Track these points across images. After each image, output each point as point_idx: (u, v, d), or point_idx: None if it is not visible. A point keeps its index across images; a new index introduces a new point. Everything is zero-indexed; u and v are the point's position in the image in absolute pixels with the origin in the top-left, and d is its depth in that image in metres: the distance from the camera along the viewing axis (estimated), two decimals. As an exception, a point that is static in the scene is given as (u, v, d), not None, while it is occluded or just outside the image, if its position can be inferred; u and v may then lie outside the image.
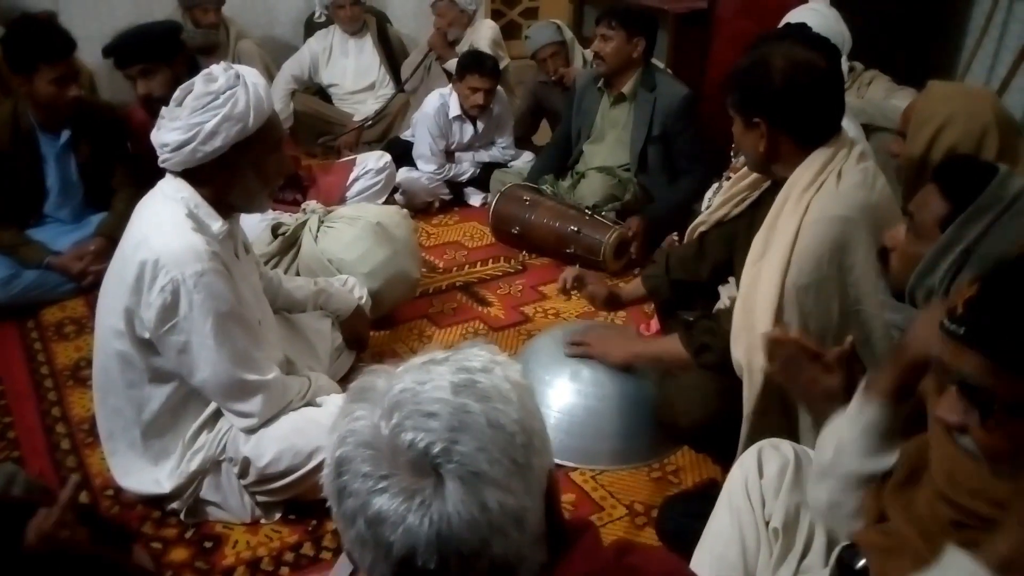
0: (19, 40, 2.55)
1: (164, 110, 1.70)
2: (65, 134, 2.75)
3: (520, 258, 3.18)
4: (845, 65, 2.81)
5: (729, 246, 2.01)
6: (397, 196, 3.62)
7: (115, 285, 1.71)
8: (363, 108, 4.26)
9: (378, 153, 3.41)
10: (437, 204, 3.64)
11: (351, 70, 4.32)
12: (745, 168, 1.98)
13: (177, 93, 1.71)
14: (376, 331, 2.62)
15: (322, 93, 4.39)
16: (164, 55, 2.70)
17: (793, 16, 2.79)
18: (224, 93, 1.65)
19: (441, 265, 3.14)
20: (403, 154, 3.66)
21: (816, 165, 1.65)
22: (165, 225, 1.67)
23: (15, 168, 2.71)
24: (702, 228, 2.09)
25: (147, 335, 1.68)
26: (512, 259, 3.18)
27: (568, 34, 3.78)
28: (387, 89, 4.30)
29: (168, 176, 1.75)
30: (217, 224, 1.72)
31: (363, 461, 0.68)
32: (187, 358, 1.69)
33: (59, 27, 2.60)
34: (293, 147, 3.31)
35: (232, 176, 1.72)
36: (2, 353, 2.50)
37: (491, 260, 3.18)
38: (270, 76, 4.33)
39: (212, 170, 1.70)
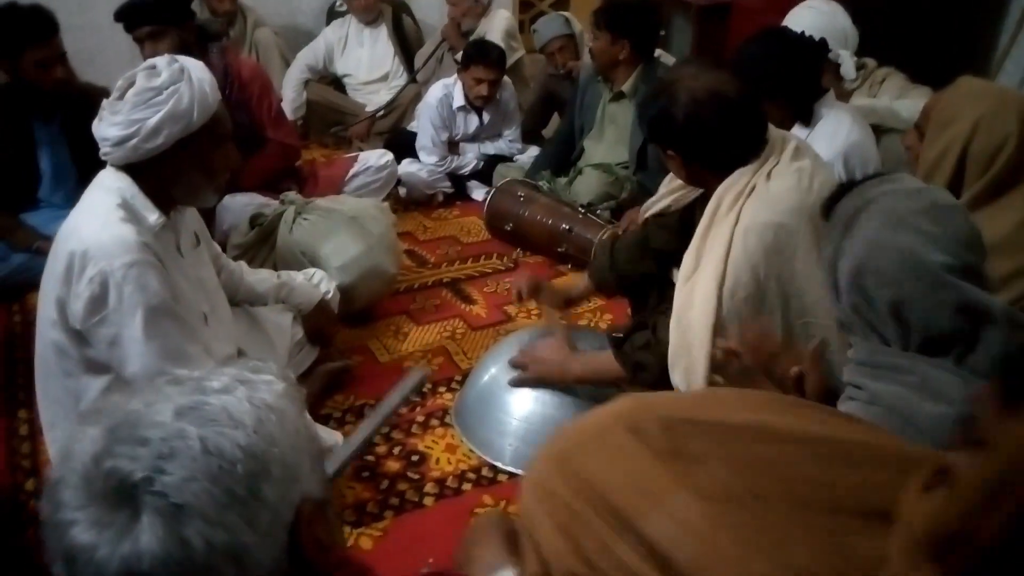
0: (2, 25, 2.57)
1: (105, 102, 1.67)
2: (58, 118, 2.77)
3: (514, 255, 3.10)
4: (851, 61, 2.67)
5: (673, 238, 1.92)
6: (399, 188, 3.59)
7: (49, 274, 1.69)
8: (376, 98, 4.23)
9: (380, 151, 3.35)
10: (441, 197, 3.58)
11: (365, 60, 4.29)
12: None
13: (121, 83, 1.68)
14: (352, 326, 2.58)
15: (337, 83, 4.37)
16: (174, 18, 2.70)
17: (792, 15, 2.66)
18: (167, 89, 1.62)
19: (432, 260, 3.08)
20: (408, 145, 3.62)
21: (746, 175, 1.56)
22: (96, 216, 1.64)
23: (8, 153, 2.74)
24: (647, 215, 2.01)
25: (78, 326, 1.66)
26: (506, 256, 3.10)
27: (577, 27, 3.67)
28: (400, 80, 4.26)
29: (108, 166, 1.72)
30: (153, 216, 1.69)
31: (67, 488, 0.63)
32: (117, 351, 1.66)
33: (41, 10, 2.61)
34: (299, 139, 3.28)
35: (175, 171, 1.69)
36: (-17, 335, 2.54)
37: (484, 256, 3.11)
38: (286, 65, 4.33)
39: (154, 165, 1.66)
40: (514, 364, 2.01)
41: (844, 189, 1.22)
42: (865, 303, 1.14)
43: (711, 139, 1.57)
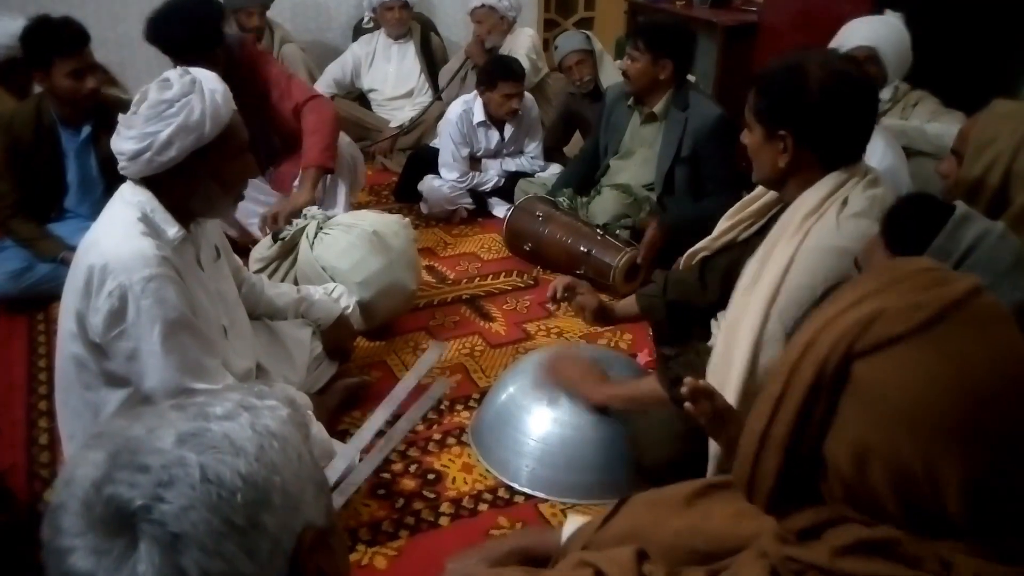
0: (34, 36, 2.61)
1: (121, 117, 1.69)
2: (86, 129, 2.80)
3: (534, 273, 3.09)
4: (890, 86, 2.63)
5: (733, 273, 1.88)
6: (421, 204, 3.59)
7: (70, 287, 1.70)
8: (400, 114, 4.26)
9: None
10: (464, 214, 3.58)
11: (392, 76, 4.33)
12: (755, 192, 1.85)
13: (137, 96, 1.69)
14: (371, 342, 2.58)
15: (362, 99, 4.40)
16: (218, 39, 2.82)
17: (861, 24, 2.58)
18: (179, 101, 1.63)
19: (452, 276, 3.08)
20: (430, 161, 3.63)
21: (825, 189, 1.52)
22: (116, 229, 1.65)
23: (36, 163, 2.78)
24: (704, 254, 1.97)
25: (97, 339, 1.67)
26: (526, 273, 3.09)
27: (597, 45, 3.67)
28: (425, 96, 4.28)
29: (128, 180, 1.73)
30: (173, 229, 1.70)
31: (67, 514, 0.62)
32: (136, 365, 1.67)
33: (73, 22, 2.65)
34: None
35: (191, 183, 1.70)
36: (7, 345, 2.57)
37: (503, 274, 3.10)
38: (313, 80, 4.37)
39: (170, 178, 1.67)
40: (551, 369, 1.99)
41: (913, 208, 1.15)
42: None
43: (838, 122, 1.51)
